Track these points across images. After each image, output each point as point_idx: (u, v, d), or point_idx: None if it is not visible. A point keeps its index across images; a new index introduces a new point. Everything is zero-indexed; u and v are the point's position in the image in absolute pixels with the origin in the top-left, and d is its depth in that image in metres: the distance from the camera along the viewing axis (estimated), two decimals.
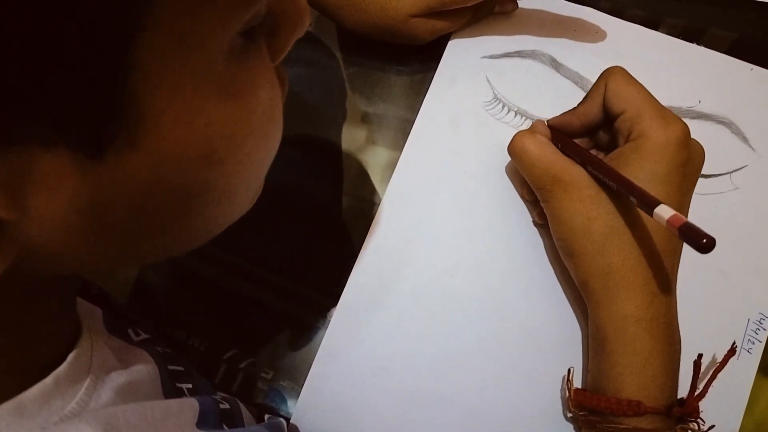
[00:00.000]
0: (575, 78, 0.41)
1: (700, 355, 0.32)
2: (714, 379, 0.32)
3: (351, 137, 0.42)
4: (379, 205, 0.39)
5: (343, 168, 0.41)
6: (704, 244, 0.25)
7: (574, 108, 0.36)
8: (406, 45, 0.40)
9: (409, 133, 0.40)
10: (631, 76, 0.33)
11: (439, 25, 0.39)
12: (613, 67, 0.34)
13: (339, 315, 0.37)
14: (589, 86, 0.40)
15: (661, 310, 0.31)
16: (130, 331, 0.30)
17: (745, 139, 0.39)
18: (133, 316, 0.33)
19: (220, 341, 0.39)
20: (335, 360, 0.37)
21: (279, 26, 0.22)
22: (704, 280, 0.36)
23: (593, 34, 0.42)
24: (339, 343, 0.37)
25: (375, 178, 0.41)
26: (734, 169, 0.39)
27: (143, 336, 0.30)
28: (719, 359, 0.33)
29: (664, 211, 0.27)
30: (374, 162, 0.41)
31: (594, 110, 0.34)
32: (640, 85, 0.33)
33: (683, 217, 0.26)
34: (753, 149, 0.39)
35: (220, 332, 0.39)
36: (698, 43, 0.41)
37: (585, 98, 0.35)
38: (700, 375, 0.32)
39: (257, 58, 0.19)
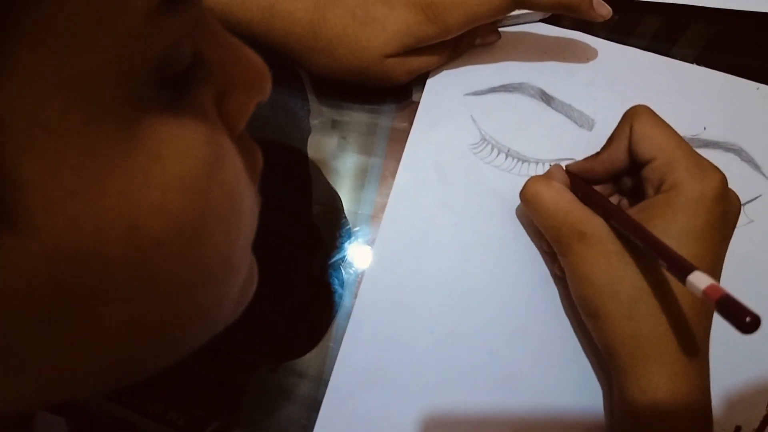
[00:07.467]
0: (568, 111, 0.37)
1: (737, 427, 0.29)
2: None
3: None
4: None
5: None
6: (747, 323, 0.21)
7: (597, 154, 0.32)
8: (381, 87, 0.37)
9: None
10: (658, 116, 0.30)
11: (417, 63, 0.36)
12: (638, 106, 0.31)
13: (330, 396, 0.33)
14: (584, 119, 0.37)
15: (696, 382, 0.28)
16: None
17: (756, 167, 0.36)
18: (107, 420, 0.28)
19: (200, 413, 0.35)
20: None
21: (231, 88, 0.18)
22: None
23: (585, 59, 0.38)
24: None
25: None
26: (747, 200, 0.35)
27: None
28: (754, 425, 0.30)
29: (699, 280, 0.23)
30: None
31: (620, 156, 0.31)
32: (670, 127, 0.30)
33: (722, 287, 0.23)
34: (766, 177, 0.36)
35: (199, 400, 0.35)
36: (698, 64, 0.38)
37: (608, 143, 0.32)
38: None
39: (191, 117, 0.15)
